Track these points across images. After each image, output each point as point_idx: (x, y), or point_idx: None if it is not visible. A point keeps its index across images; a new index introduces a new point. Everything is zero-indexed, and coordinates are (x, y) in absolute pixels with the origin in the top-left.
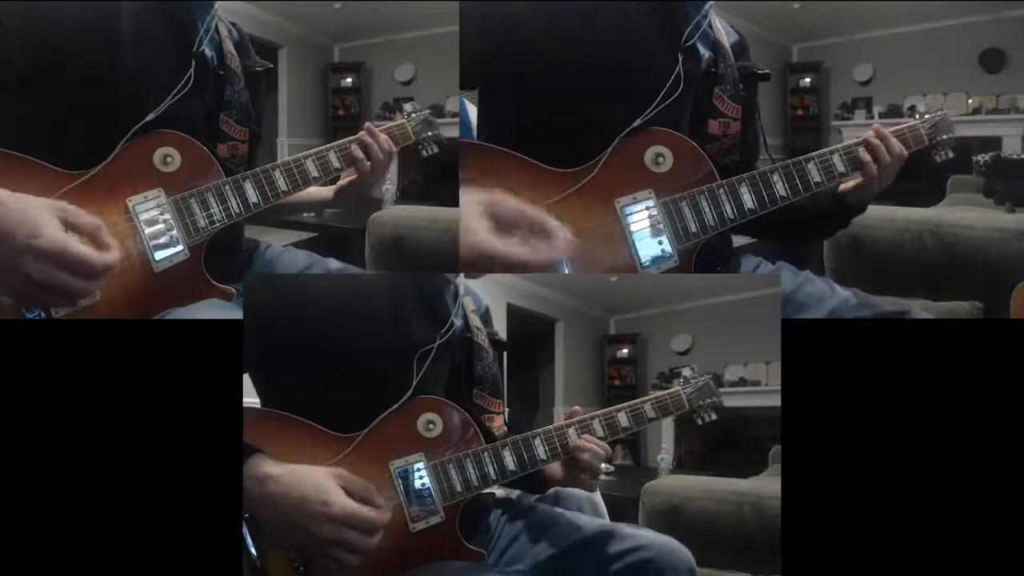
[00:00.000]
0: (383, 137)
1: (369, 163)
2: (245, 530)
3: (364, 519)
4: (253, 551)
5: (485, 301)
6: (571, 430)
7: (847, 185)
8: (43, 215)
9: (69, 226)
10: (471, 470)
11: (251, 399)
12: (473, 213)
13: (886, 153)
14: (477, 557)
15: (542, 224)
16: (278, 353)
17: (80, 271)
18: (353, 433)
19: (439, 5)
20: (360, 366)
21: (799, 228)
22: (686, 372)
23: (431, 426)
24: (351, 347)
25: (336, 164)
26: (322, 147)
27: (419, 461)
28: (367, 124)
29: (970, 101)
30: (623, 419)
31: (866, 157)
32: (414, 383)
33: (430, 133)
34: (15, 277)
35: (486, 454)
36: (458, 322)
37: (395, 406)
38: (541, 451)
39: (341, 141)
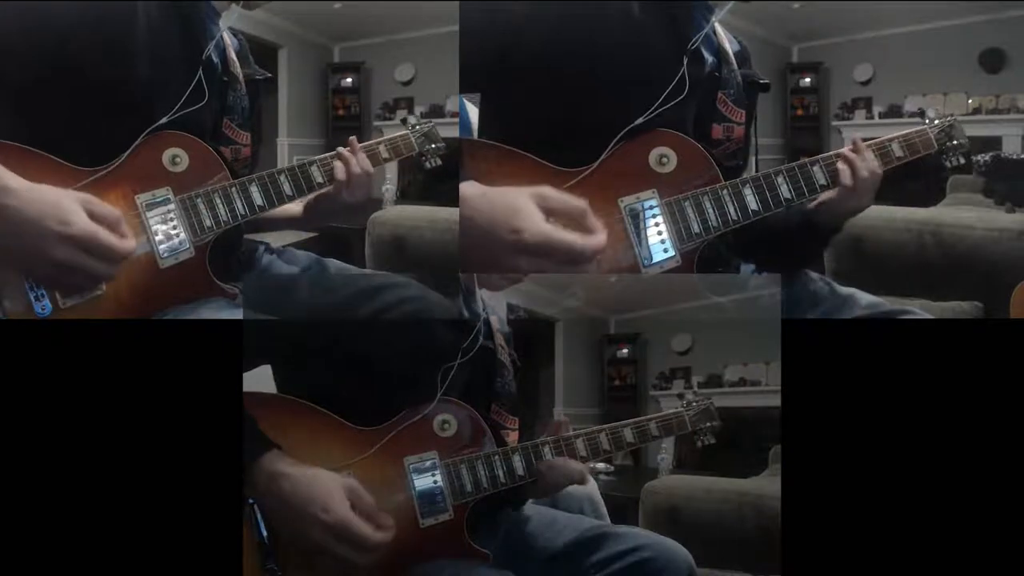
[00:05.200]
0: (361, 156)
1: (345, 178)
2: (258, 513)
3: (359, 536)
4: (264, 532)
5: (507, 326)
6: (579, 441)
7: (814, 203)
8: (71, 205)
9: (93, 216)
10: (481, 471)
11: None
12: (525, 204)
13: (862, 168)
14: (483, 558)
15: (586, 217)
16: (301, 346)
17: (105, 257)
18: (370, 427)
19: (439, 5)
20: (383, 366)
21: (776, 251)
22: (689, 395)
23: (446, 426)
24: (375, 346)
25: (341, 175)
26: (327, 154)
27: (432, 459)
28: (351, 139)
29: (970, 101)
30: (628, 435)
31: (842, 166)
32: (440, 389)
33: (433, 145)
34: (43, 262)
35: (496, 457)
36: (482, 336)
37: (419, 417)
38: (550, 457)
39: (323, 156)
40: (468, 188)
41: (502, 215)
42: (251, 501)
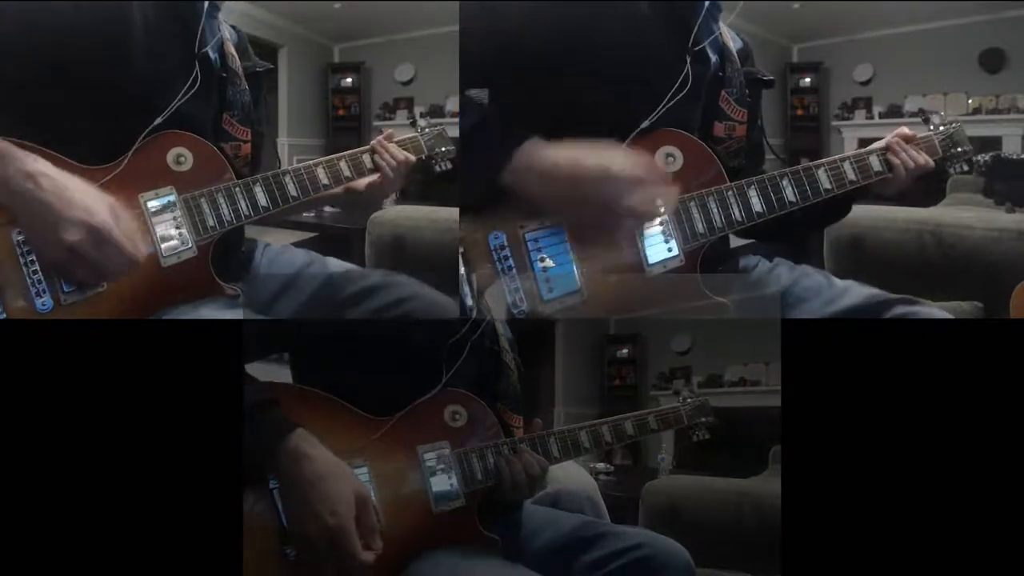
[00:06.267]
0: (394, 148)
1: (391, 172)
2: (278, 499)
3: (349, 550)
4: (284, 517)
5: (511, 332)
6: (583, 433)
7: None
8: (98, 199)
9: (115, 218)
10: (491, 461)
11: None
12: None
13: (908, 160)
14: (491, 544)
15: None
16: (309, 343)
17: (114, 254)
18: (383, 417)
19: (439, 5)
20: (389, 361)
21: (804, 217)
22: (684, 392)
23: (457, 416)
24: (382, 343)
25: (347, 172)
26: (333, 155)
27: (444, 447)
28: (380, 138)
29: (970, 101)
30: (629, 427)
31: (895, 160)
32: (446, 374)
33: (444, 148)
34: (60, 245)
35: (505, 447)
36: (488, 339)
37: (427, 399)
38: (555, 450)
39: (353, 151)
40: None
41: (74, 197)
42: (271, 487)
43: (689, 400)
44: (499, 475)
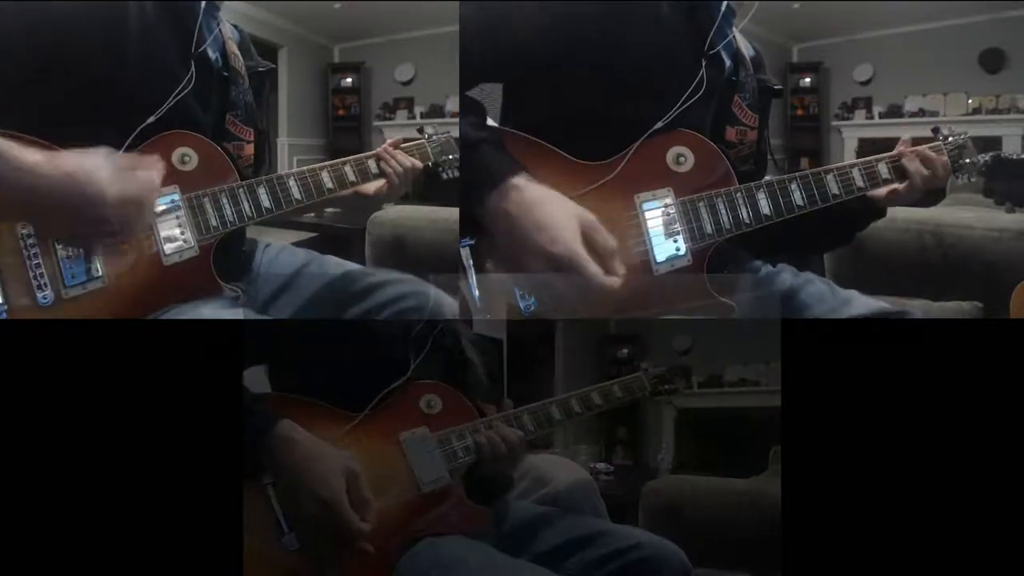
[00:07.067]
0: (401, 155)
1: (397, 179)
2: (273, 495)
3: (346, 520)
4: (280, 512)
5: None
6: (554, 407)
7: (880, 191)
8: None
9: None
10: (469, 439)
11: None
12: (567, 216)
13: (922, 168)
14: (481, 516)
15: (613, 258)
16: (290, 346)
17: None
18: (360, 412)
19: (439, 5)
20: (360, 357)
21: (818, 234)
22: (644, 364)
23: (432, 404)
24: (355, 342)
25: (351, 177)
26: (338, 160)
27: (424, 433)
28: (386, 144)
29: (970, 101)
30: (596, 398)
31: (911, 167)
32: (413, 362)
33: (450, 156)
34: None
35: (482, 427)
36: (449, 338)
37: (397, 383)
38: (530, 424)
39: (358, 156)
40: (525, 184)
41: (547, 218)
42: (267, 482)
43: (651, 370)
44: (479, 449)
